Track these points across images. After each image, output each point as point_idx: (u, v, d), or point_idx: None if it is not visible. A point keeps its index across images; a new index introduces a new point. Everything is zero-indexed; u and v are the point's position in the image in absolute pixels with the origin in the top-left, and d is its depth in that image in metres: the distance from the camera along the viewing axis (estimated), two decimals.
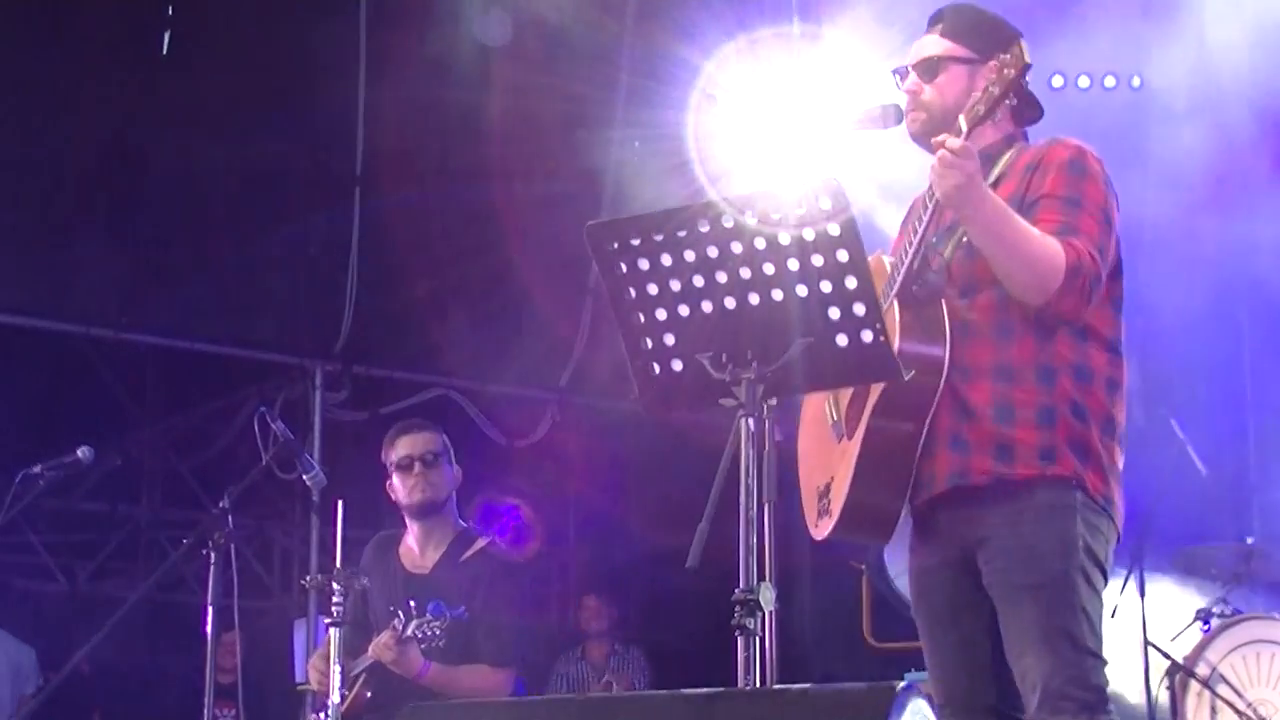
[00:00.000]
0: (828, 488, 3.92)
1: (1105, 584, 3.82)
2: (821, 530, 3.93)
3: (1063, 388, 3.78)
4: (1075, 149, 3.88)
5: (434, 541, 5.77)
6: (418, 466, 5.70)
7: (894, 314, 3.70)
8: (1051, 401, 3.77)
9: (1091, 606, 3.75)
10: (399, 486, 5.75)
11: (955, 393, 3.76)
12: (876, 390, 3.72)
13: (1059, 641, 3.70)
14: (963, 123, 3.68)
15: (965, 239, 3.81)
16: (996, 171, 3.89)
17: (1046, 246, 3.71)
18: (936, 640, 3.96)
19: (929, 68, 3.95)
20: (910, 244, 3.78)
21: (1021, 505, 3.76)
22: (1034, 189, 3.83)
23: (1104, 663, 3.77)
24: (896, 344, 3.63)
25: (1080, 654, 3.71)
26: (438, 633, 5.36)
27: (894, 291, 3.74)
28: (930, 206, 3.74)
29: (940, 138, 3.68)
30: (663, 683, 9.10)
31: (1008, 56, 3.63)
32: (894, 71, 4.04)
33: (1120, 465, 3.86)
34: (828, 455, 3.95)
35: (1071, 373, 3.80)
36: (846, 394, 3.92)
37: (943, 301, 3.79)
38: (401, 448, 5.75)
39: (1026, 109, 4.00)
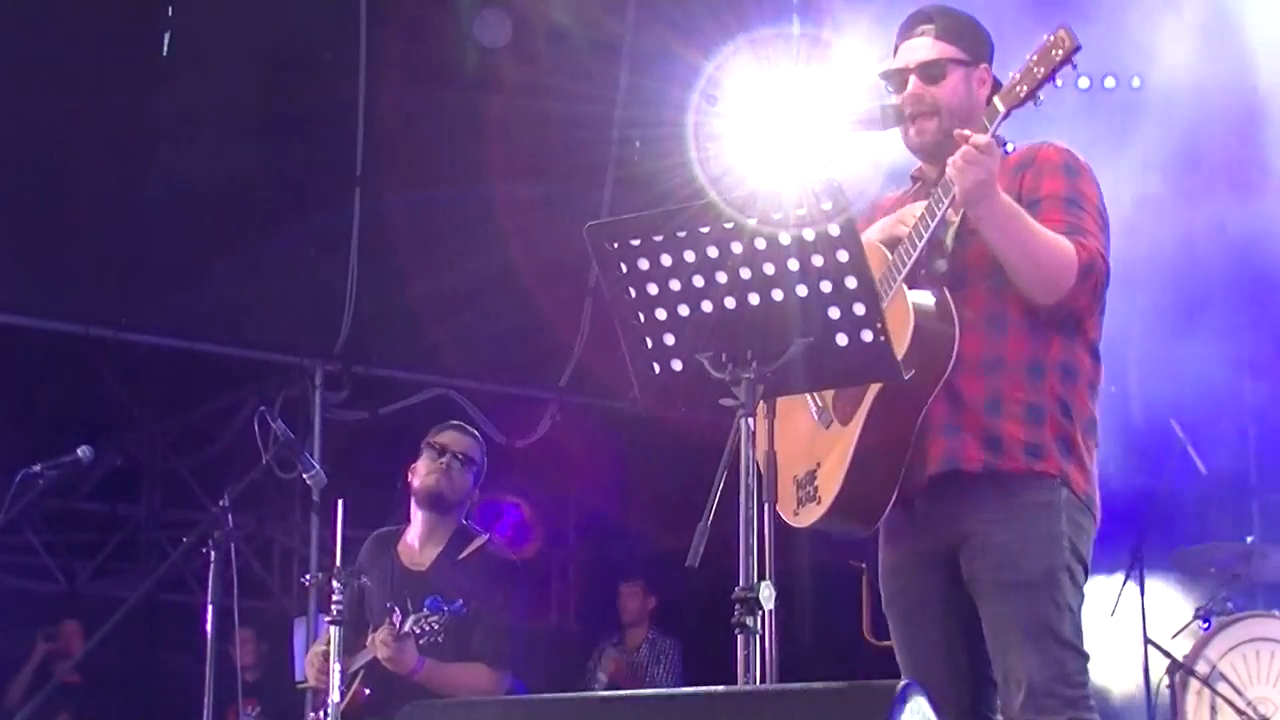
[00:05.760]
0: (811, 475, 3.89)
1: (1086, 579, 3.85)
2: (804, 518, 3.89)
3: (1051, 385, 3.81)
4: (1066, 151, 3.92)
5: (434, 539, 5.77)
6: (448, 458, 5.76)
7: (904, 295, 3.71)
8: (1040, 398, 3.80)
9: (1075, 603, 3.79)
10: (421, 468, 5.79)
11: (949, 382, 3.76)
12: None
13: (1046, 639, 3.73)
14: (999, 105, 3.68)
15: (956, 232, 3.82)
16: None
17: (1059, 245, 3.73)
18: (910, 640, 3.96)
19: (932, 71, 3.93)
20: (922, 231, 3.76)
21: (1009, 501, 3.78)
22: (1030, 189, 3.84)
23: (1087, 658, 3.80)
24: (911, 320, 3.66)
25: (1066, 651, 3.74)
26: (436, 628, 5.36)
27: (903, 275, 3.75)
28: (945, 200, 3.73)
29: (962, 132, 3.68)
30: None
31: (1052, 39, 3.62)
32: (886, 76, 4.00)
33: (1096, 465, 3.90)
34: (810, 442, 3.92)
35: (1060, 371, 3.83)
36: None
37: (945, 289, 3.81)
38: (445, 437, 5.84)
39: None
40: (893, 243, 3.82)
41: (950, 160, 3.68)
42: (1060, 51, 3.60)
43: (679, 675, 9.20)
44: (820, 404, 3.92)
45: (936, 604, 3.90)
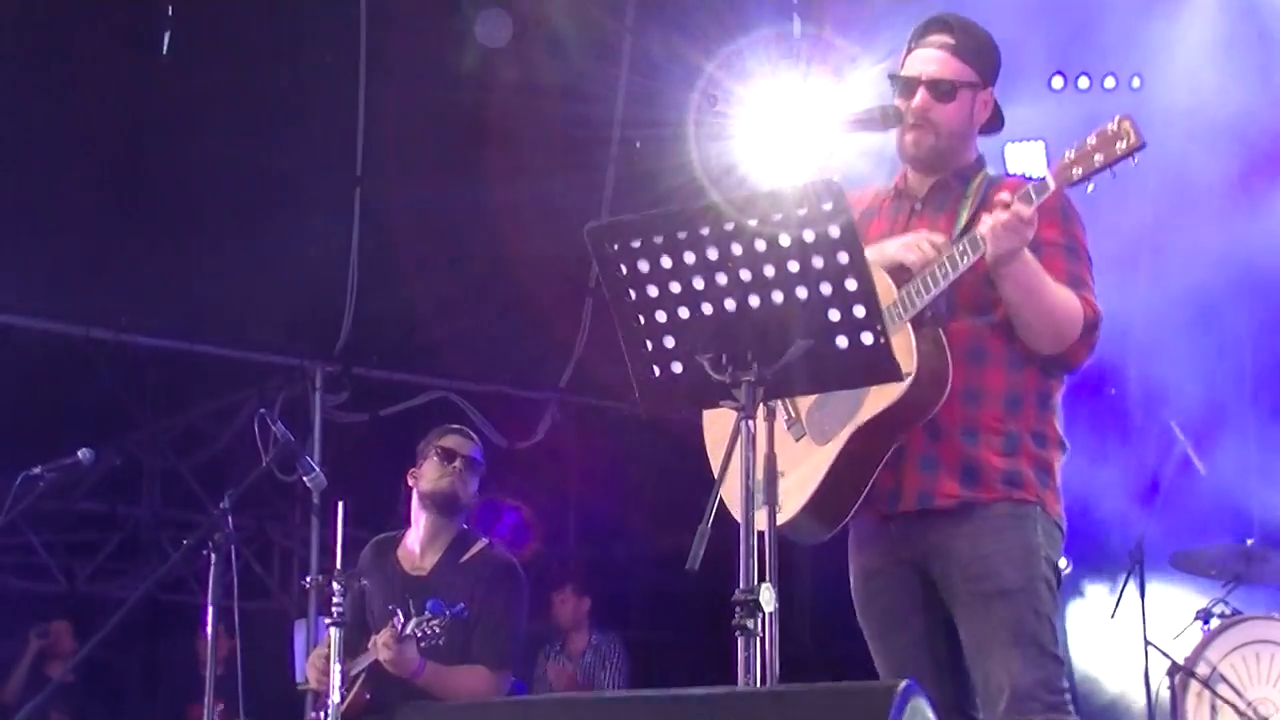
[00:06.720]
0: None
1: (1059, 588, 3.90)
2: (761, 520, 3.88)
3: (1027, 416, 3.88)
4: (1058, 191, 3.88)
5: (436, 543, 5.77)
6: (459, 462, 5.75)
7: (908, 335, 3.74)
8: (1016, 428, 3.86)
9: (1052, 612, 3.84)
10: (428, 472, 5.77)
11: None
12: (870, 402, 3.74)
13: (1026, 646, 3.77)
14: (1051, 182, 3.68)
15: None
16: (969, 192, 3.91)
17: (1069, 303, 3.79)
18: (889, 643, 3.99)
19: (945, 90, 3.92)
20: (940, 279, 3.76)
21: (985, 514, 3.83)
22: None
23: (1064, 665, 3.85)
24: (914, 362, 3.69)
25: (1045, 658, 3.79)
26: (437, 631, 5.36)
27: (910, 315, 3.76)
28: (973, 255, 3.73)
29: (1004, 198, 3.69)
30: (663, 682, 9.09)
31: (1117, 128, 3.60)
32: (894, 78, 4.00)
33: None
34: (777, 449, 3.88)
35: (1036, 401, 3.90)
36: None
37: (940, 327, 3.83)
38: (450, 441, 5.84)
39: (991, 126, 4.04)
40: (898, 270, 3.81)
41: (989, 224, 3.69)
42: (1124, 145, 3.59)
43: (625, 673, 9.17)
44: (792, 414, 3.93)
45: (915, 604, 3.93)
